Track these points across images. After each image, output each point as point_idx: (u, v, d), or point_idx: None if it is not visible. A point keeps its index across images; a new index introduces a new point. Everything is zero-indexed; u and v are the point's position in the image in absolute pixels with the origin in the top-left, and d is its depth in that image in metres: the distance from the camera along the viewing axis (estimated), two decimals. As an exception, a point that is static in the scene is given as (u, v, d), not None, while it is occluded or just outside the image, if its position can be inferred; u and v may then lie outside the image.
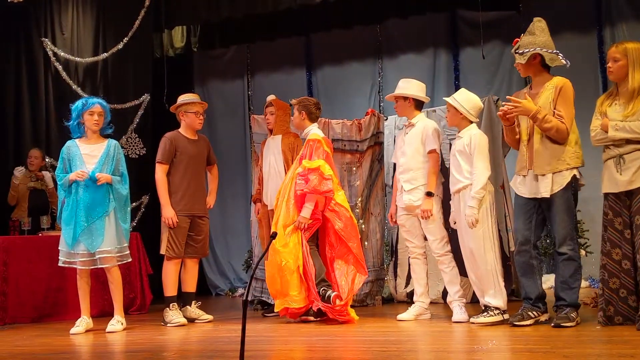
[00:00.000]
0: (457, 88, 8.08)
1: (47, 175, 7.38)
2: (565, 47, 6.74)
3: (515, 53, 4.54)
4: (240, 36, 9.07)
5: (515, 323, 4.49)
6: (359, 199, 6.54)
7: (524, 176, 4.55)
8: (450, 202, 4.99)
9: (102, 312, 6.09)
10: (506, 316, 4.66)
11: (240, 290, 8.58)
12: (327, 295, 5.08)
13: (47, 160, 7.59)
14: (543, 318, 4.54)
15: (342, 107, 8.64)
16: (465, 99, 4.88)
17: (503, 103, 4.58)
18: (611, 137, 4.18)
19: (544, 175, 4.42)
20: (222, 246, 9.23)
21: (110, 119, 5.48)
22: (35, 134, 7.84)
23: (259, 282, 6.33)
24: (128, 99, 7.99)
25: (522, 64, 4.52)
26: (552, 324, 4.34)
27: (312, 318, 5.31)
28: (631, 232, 4.16)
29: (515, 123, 4.59)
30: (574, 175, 4.42)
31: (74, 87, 7.84)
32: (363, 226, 6.48)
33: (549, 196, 4.40)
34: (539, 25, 4.54)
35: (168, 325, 5.47)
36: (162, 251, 5.62)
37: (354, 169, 6.57)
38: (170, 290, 5.59)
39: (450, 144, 6.44)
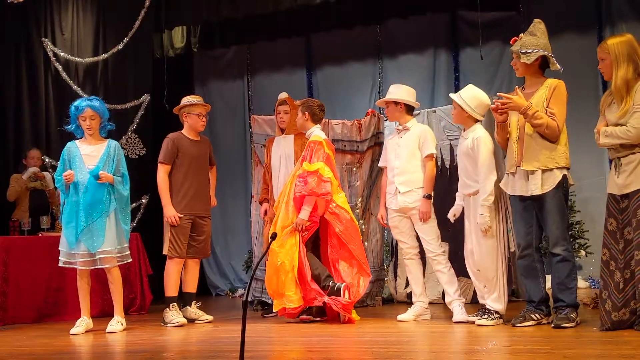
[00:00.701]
0: (457, 88, 8.08)
1: (47, 175, 7.38)
2: (565, 47, 6.78)
3: (521, 53, 4.49)
4: (240, 36, 9.06)
5: (517, 324, 4.49)
6: (359, 199, 6.54)
7: (513, 174, 4.53)
8: (457, 195, 4.98)
9: (102, 313, 6.09)
10: (501, 321, 4.68)
11: (241, 291, 8.57)
12: (336, 287, 5.11)
13: (47, 160, 7.59)
14: (545, 321, 4.52)
15: (342, 108, 8.63)
16: (472, 96, 4.83)
17: (494, 100, 4.58)
18: (602, 144, 4.16)
19: (533, 172, 4.41)
20: (222, 246, 9.22)
21: (109, 116, 5.48)
22: (35, 134, 7.84)
23: (259, 282, 6.33)
24: (128, 99, 7.98)
25: (526, 63, 4.48)
26: (552, 325, 4.34)
27: (312, 318, 5.31)
28: (621, 233, 4.09)
29: (507, 123, 4.58)
30: (564, 175, 4.41)
31: (74, 87, 7.84)
32: (363, 226, 6.48)
33: (540, 193, 4.38)
34: (539, 27, 4.53)
35: (168, 325, 5.47)
36: (165, 251, 5.62)
37: (354, 169, 6.57)
38: (171, 290, 5.59)
39: (451, 144, 6.47)
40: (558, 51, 4.62)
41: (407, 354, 3.73)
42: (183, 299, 5.76)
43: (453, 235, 5.68)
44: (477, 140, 4.73)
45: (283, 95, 6.06)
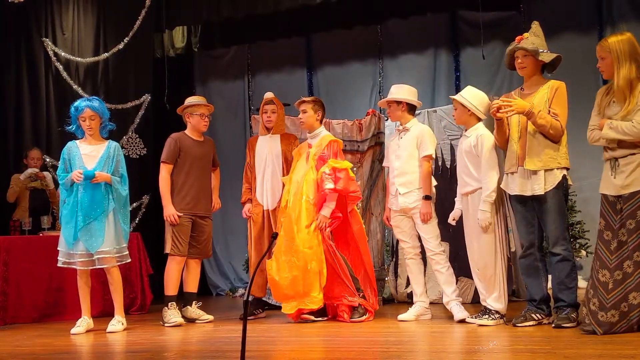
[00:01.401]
0: (457, 88, 8.08)
1: (48, 175, 7.38)
2: (565, 47, 6.76)
3: (540, 52, 4.46)
4: (240, 36, 9.06)
5: (517, 324, 4.49)
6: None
7: (514, 173, 4.53)
8: (456, 199, 4.99)
9: (102, 312, 6.09)
10: (502, 320, 4.68)
11: (241, 291, 8.58)
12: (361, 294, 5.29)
13: (47, 160, 7.59)
14: (546, 321, 4.52)
15: (343, 107, 8.64)
16: (473, 95, 4.85)
17: (494, 99, 4.57)
18: (604, 135, 4.03)
19: (535, 172, 4.41)
20: (223, 246, 9.23)
21: (110, 115, 5.48)
22: (35, 134, 7.84)
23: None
24: (129, 99, 7.99)
25: (536, 63, 4.47)
26: (553, 325, 4.34)
27: (312, 317, 5.31)
28: (615, 234, 4.01)
29: (505, 122, 4.57)
30: (564, 175, 4.41)
31: (75, 87, 7.84)
32: (364, 226, 6.48)
33: (542, 193, 4.38)
34: (539, 29, 4.55)
35: (165, 325, 5.47)
36: (167, 250, 5.63)
37: (355, 169, 6.55)
38: (170, 289, 5.60)
39: (451, 144, 6.47)
40: (558, 51, 4.62)
41: (408, 353, 3.73)
42: (184, 299, 5.77)
43: (453, 235, 5.69)
44: (481, 138, 4.73)
45: (269, 95, 5.95)
